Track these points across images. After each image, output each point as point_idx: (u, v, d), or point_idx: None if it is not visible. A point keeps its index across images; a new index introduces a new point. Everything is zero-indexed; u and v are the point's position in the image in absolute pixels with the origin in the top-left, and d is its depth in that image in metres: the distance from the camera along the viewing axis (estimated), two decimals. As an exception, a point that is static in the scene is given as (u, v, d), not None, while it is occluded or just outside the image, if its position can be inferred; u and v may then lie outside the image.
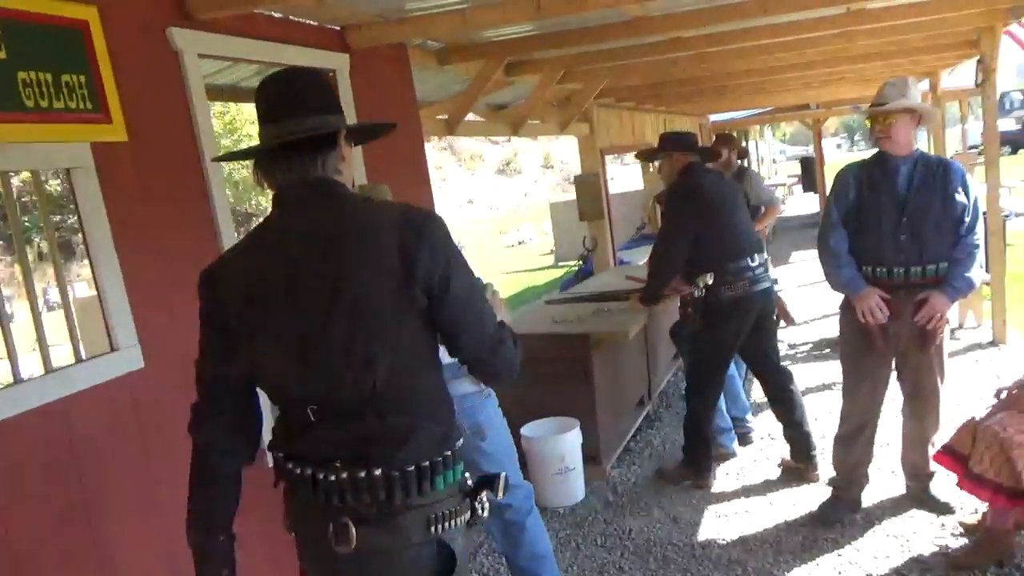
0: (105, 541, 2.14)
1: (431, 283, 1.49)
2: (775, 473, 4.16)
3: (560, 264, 14.69)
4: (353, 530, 1.48)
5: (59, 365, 2.08)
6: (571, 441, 4.04)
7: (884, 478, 3.79)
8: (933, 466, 3.55)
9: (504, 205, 34.85)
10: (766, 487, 4.02)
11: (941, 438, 3.42)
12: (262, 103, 1.55)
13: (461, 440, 1.64)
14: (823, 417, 4.87)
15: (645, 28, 4.15)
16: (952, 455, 3.17)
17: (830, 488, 3.67)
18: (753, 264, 3.86)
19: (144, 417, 2.28)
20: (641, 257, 7.16)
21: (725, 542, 3.51)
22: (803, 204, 18.06)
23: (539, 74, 5.08)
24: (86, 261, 2.42)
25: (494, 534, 2.93)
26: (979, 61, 5.82)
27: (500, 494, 1.66)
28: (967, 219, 3.17)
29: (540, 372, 4.24)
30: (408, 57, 3.90)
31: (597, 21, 4.10)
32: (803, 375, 5.74)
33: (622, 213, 9.06)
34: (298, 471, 1.53)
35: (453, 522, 1.56)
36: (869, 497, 3.63)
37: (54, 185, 12.14)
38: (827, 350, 6.51)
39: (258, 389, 1.63)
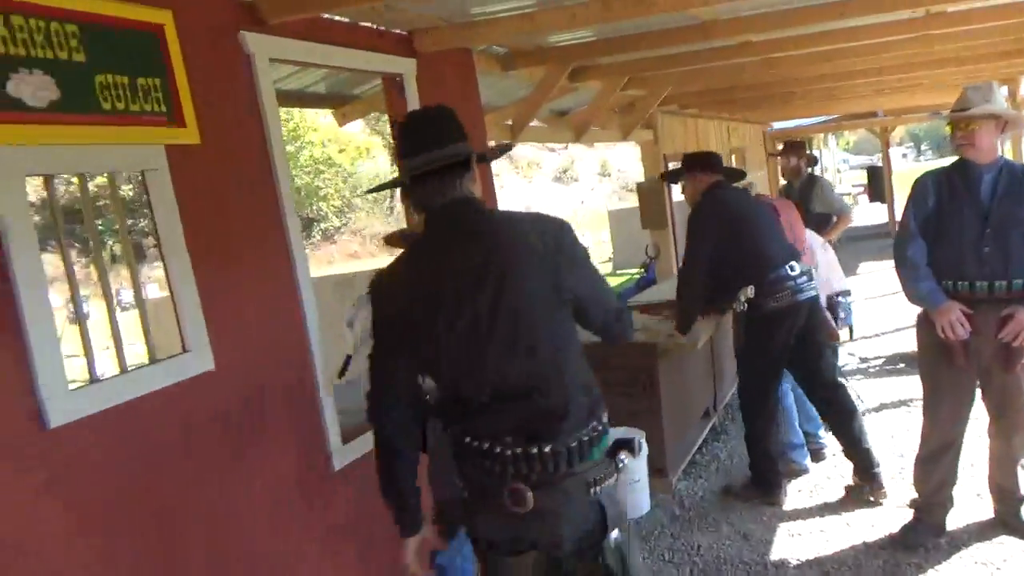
0: (178, 542, 2.13)
1: (571, 278, 1.82)
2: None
3: (619, 272, 14.54)
4: (529, 495, 1.74)
5: (133, 365, 2.08)
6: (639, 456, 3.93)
7: (969, 501, 3.58)
8: (1023, 489, 3.35)
9: (561, 213, 34.79)
10: (841, 506, 3.85)
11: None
12: (407, 139, 1.85)
13: (606, 412, 1.90)
14: (900, 435, 4.67)
15: (714, 32, 4.04)
16: None
17: (912, 510, 3.49)
18: (793, 273, 3.73)
19: (216, 419, 2.28)
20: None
21: (800, 562, 3.36)
22: (870, 214, 17.55)
23: (602, 80, 5.01)
24: (156, 263, 2.43)
25: None
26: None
27: (636, 454, 1.91)
28: None
29: (604, 381, 4.14)
30: (473, 62, 3.87)
31: (664, 25, 4.01)
32: (877, 390, 5.52)
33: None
34: (475, 443, 1.79)
35: (606, 484, 1.82)
36: (954, 521, 3.43)
37: (126, 189, 12.51)
38: (901, 365, 6.26)
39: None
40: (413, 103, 3.37)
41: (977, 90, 3.08)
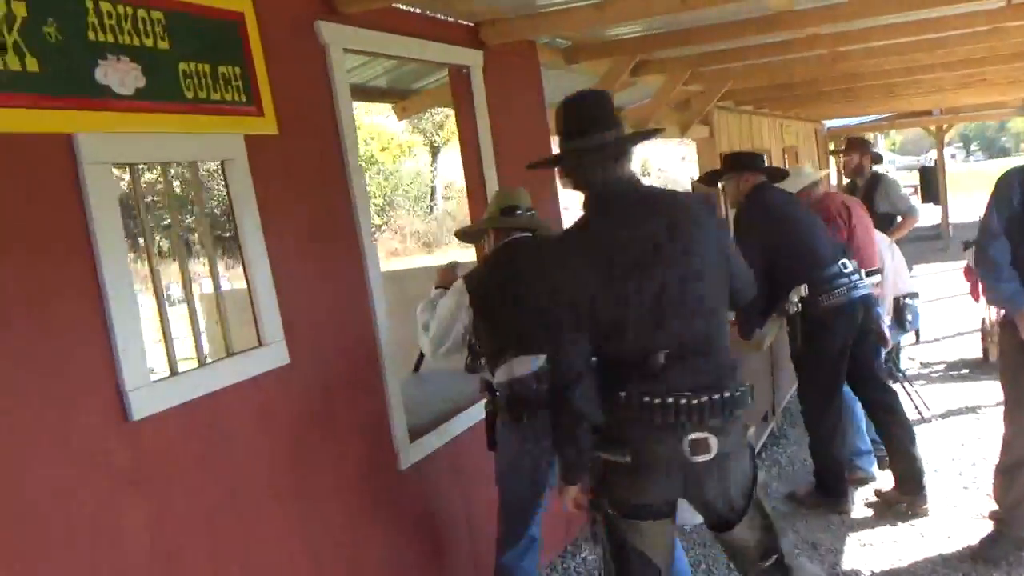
0: (252, 536, 2.10)
1: (729, 243, 2.13)
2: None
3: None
4: (712, 440, 1.90)
5: (210, 358, 2.06)
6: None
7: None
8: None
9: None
10: (913, 514, 3.70)
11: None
12: (571, 120, 2.00)
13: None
14: (971, 443, 4.51)
15: (781, 24, 3.92)
16: None
17: (992, 522, 3.35)
18: (847, 270, 3.62)
19: (290, 413, 2.25)
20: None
21: (876, 574, 3.23)
22: (923, 216, 17.11)
23: (664, 74, 4.91)
24: (203, 259, 2.41)
25: None
26: None
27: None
28: None
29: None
30: (537, 55, 3.81)
31: (731, 17, 3.89)
32: (943, 397, 5.34)
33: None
34: (656, 400, 1.89)
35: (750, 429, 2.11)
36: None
37: (177, 184, 12.67)
38: (965, 371, 6.07)
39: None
40: (480, 96, 3.32)
41: None
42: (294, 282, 2.30)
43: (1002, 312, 3.15)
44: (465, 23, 3.31)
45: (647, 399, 1.90)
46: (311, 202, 2.42)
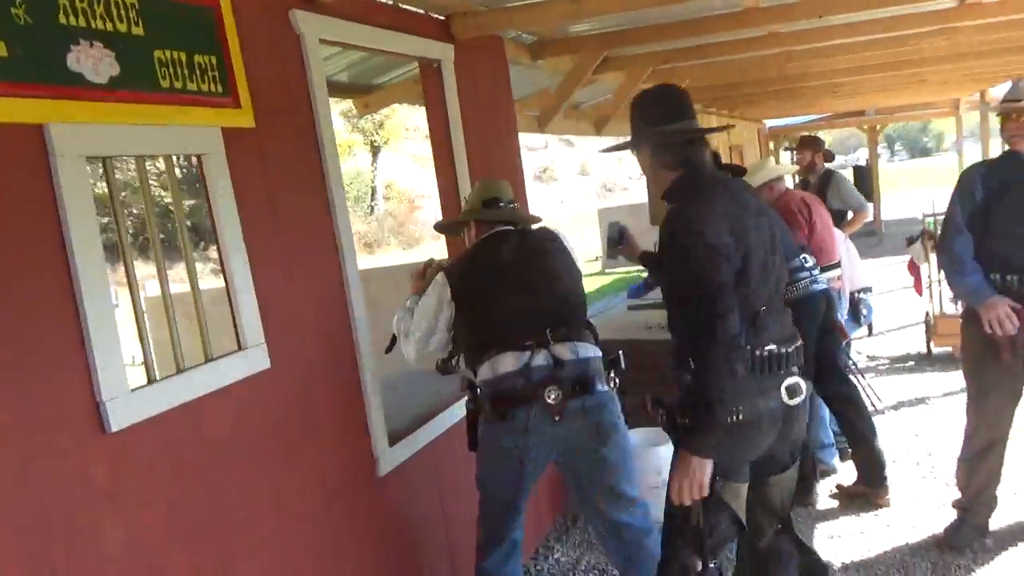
0: (231, 547, 2.00)
1: None
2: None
3: (607, 271, 14.47)
4: (802, 383, 2.14)
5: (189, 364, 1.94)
6: (667, 454, 3.83)
7: (1007, 500, 3.53)
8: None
9: (540, 212, 34.69)
10: (876, 505, 3.78)
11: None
12: (673, 105, 2.20)
13: None
14: (925, 433, 4.64)
15: (746, 21, 3.96)
16: None
17: (954, 511, 3.43)
18: (808, 264, 3.72)
19: (271, 420, 2.14)
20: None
21: (846, 565, 3.28)
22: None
23: (625, 71, 4.91)
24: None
25: (611, 556, 2.74)
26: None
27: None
28: None
29: (636, 381, 4.04)
30: (504, 50, 3.75)
31: (698, 13, 3.91)
32: (893, 388, 5.49)
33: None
34: (765, 352, 2.07)
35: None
36: (995, 520, 3.38)
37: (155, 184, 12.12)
38: (911, 363, 6.25)
39: None
40: (451, 91, 3.25)
41: None
42: (273, 283, 2.20)
43: (962, 305, 3.22)
44: (436, 16, 3.23)
45: (758, 352, 2.06)
46: (289, 197, 2.31)
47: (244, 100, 2.14)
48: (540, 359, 2.43)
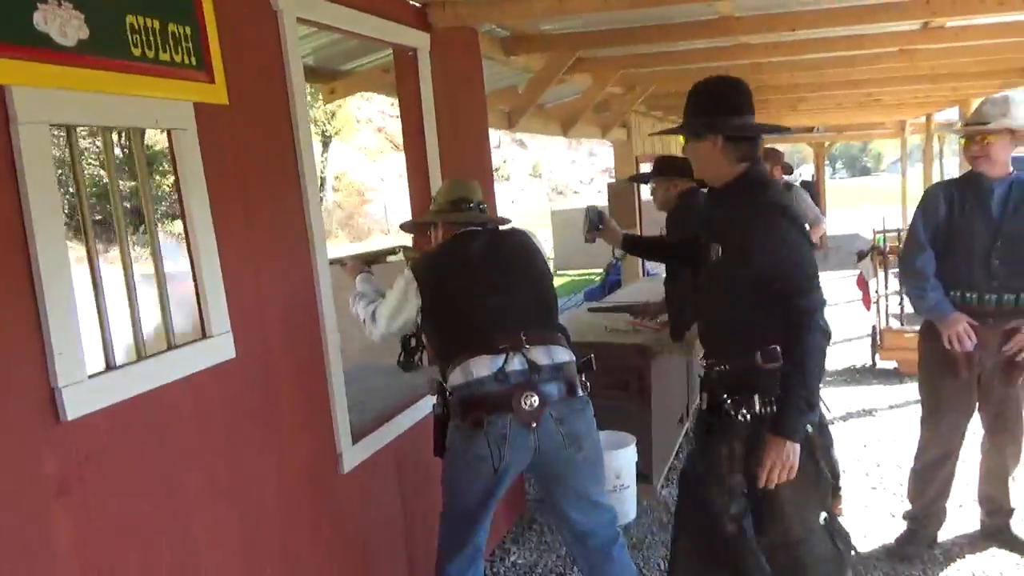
0: (187, 545, 1.89)
1: None
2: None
3: (559, 272, 14.51)
4: None
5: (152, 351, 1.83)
6: (627, 457, 3.83)
7: (954, 512, 3.61)
8: (1013, 501, 3.39)
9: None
10: (828, 516, 3.82)
11: (1022, 472, 3.27)
12: (746, 97, 2.25)
13: None
14: (872, 444, 4.72)
15: (720, 29, 3.97)
16: None
17: (905, 521, 3.49)
18: None
19: (234, 412, 2.04)
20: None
21: (800, 574, 3.30)
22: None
23: (593, 73, 4.89)
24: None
25: (577, 562, 2.69)
26: (1031, 89, 5.74)
27: None
28: None
29: (591, 382, 4.02)
30: (479, 43, 3.68)
31: (675, 18, 3.91)
32: (837, 400, 5.59)
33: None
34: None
35: None
36: (943, 532, 3.45)
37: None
38: (856, 375, 6.38)
39: None
40: (426, 81, 3.17)
41: (995, 104, 3.09)
42: (241, 269, 2.09)
43: (909, 321, 3.28)
44: (413, 3, 3.15)
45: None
46: (260, 182, 2.21)
47: (218, 75, 2.03)
48: (516, 363, 2.34)
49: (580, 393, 2.46)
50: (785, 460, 2.14)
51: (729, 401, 2.26)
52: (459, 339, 2.42)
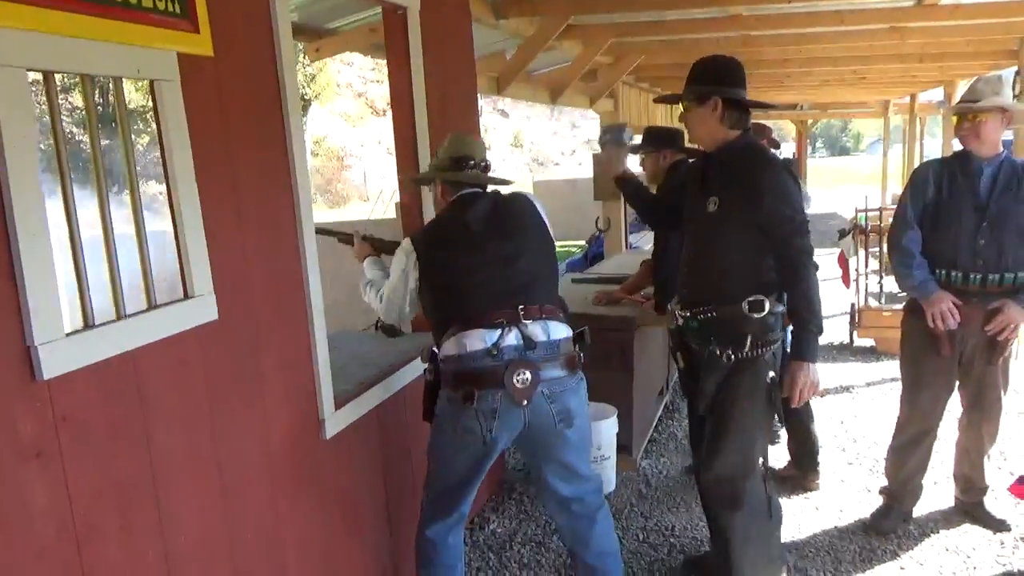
0: (168, 510, 1.84)
1: None
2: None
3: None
4: None
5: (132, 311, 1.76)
6: (609, 428, 3.84)
7: (928, 488, 3.66)
8: (988, 480, 3.44)
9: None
10: (806, 489, 3.86)
11: (998, 451, 3.31)
12: (741, 73, 2.52)
13: None
14: (849, 421, 4.77)
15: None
16: None
17: (881, 496, 3.54)
18: None
19: (215, 375, 1.98)
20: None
21: (778, 546, 3.34)
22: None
23: (584, 40, 4.81)
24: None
25: (560, 529, 2.69)
26: (1017, 72, 5.75)
27: None
28: None
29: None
30: (469, 5, 3.60)
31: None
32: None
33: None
34: None
35: None
36: (918, 508, 3.50)
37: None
38: (834, 352, 6.44)
39: None
40: (415, 42, 3.09)
41: (987, 82, 3.07)
42: (225, 228, 2.03)
43: (896, 300, 3.30)
44: (404, -41, 3.05)
45: None
46: (246, 139, 2.13)
47: (203, 25, 1.94)
48: (511, 338, 2.30)
49: (576, 370, 2.43)
50: (812, 379, 2.49)
51: (716, 343, 2.54)
52: (455, 310, 2.38)
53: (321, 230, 2.73)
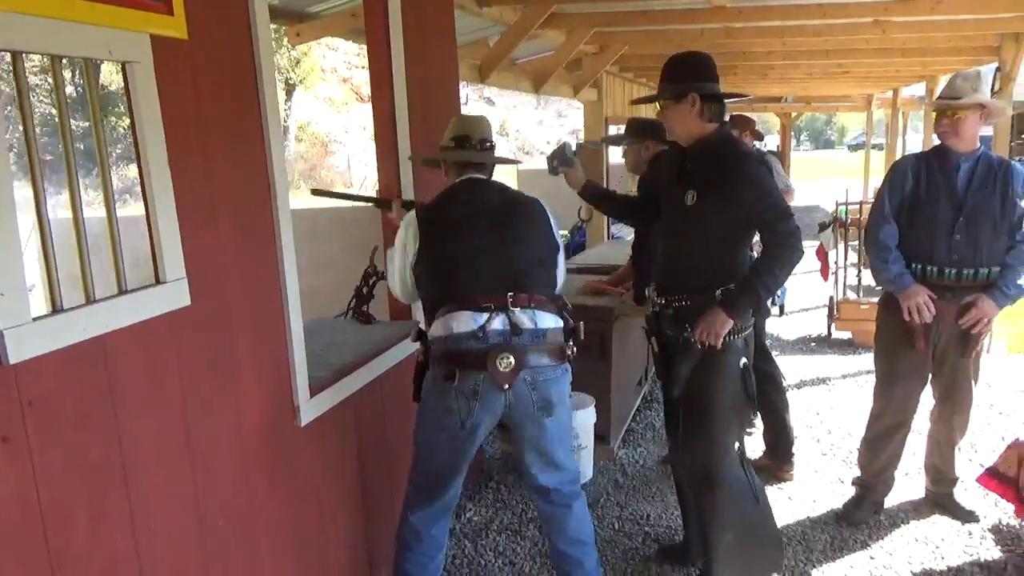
0: (137, 498, 1.83)
1: None
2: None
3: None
4: None
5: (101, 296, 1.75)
6: (586, 418, 3.85)
7: (900, 480, 3.70)
8: (957, 471, 3.49)
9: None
10: (779, 479, 3.90)
11: (968, 443, 3.35)
12: (712, 69, 2.58)
13: None
14: (825, 412, 4.82)
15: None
16: (998, 478, 3.10)
17: (853, 487, 3.58)
18: None
19: (187, 362, 1.97)
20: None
21: (751, 536, 3.37)
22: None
23: (567, 29, 4.79)
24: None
25: (540, 515, 2.71)
26: (997, 68, 5.79)
27: None
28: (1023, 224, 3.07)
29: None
30: (451, -9, 3.57)
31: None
32: (792, 368, 5.68)
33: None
34: None
35: None
36: (889, 499, 3.55)
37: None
38: (812, 344, 6.49)
39: None
40: (396, 26, 3.06)
41: (966, 79, 3.09)
42: (198, 213, 2.01)
43: (874, 293, 3.34)
44: (385, -58, 3.02)
45: None
46: (220, 123, 2.10)
47: (177, 7, 1.91)
48: (497, 323, 2.34)
49: (562, 361, 2.45)
50: (717, 326, 2.54)
51: (689, 330, 2.59)
52: (445, 291, 2.41)
53: (356, 196, 2.79)
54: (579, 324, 2.54)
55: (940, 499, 3.53)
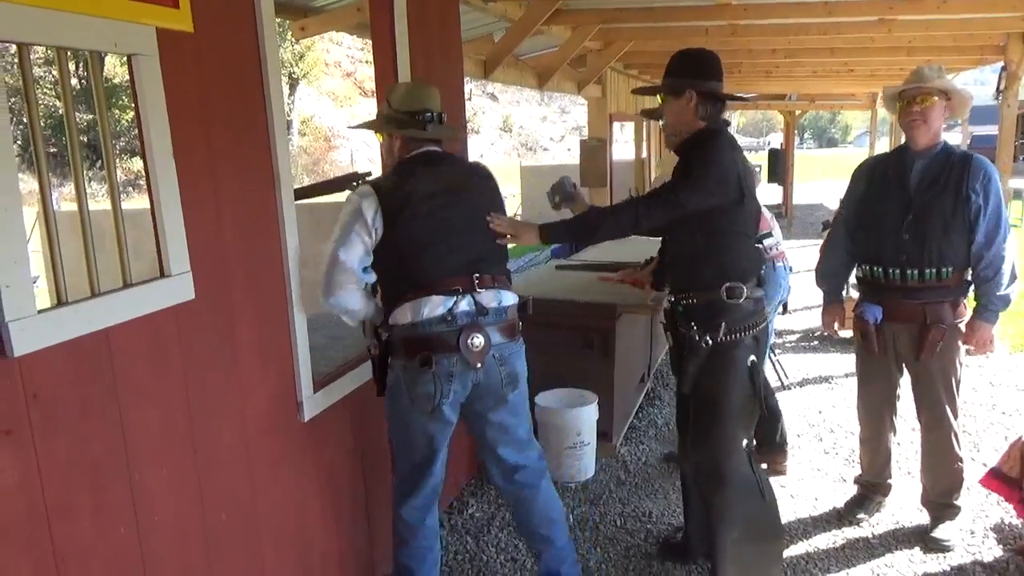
0: (141, 492, 1.84)
1: None
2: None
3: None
4: None
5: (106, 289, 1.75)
6: (589, 415, 3.85)
7: (901, 479, 3.71)
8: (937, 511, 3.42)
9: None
10: (782, 478, 3.90)
11: (971, 444, 3.32)
12: (717, 66, 2.56)
13: None
14: (827, 410, 4.82)
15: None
16: (1001, 479, 3.08)
17: (855, 486, 3.57)
18: None
19: (191, 355, 1.97)
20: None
21: (753, 534, 3.37)
22: (768, 195, 18.21)
23: (572, 25, 4.78)
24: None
25: (505, 496, 2.72)
26: (1003, 68, 5.77)
27: None
28: (982, 223, 2.91)
29: (556, 339, 4.02)
30: (456, -14, 3.56)
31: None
32: (798, 366, 5.68)
33: (623, 182, 8.80)
34: None
35: None
36: (890, 498, 3.54)
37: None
38: (816, 342, 6.48)
39: None
40: (401, 21, 3.05)
41: (931, 69, 3.00)
42: (203, 206, 2.01)
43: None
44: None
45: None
46: (225, 116, 2.10)
47: (183, 0, 1.91)
48: (464, 304, 2.37)
49: (518, 336, 2.54)
50: (520, 235, 2.60)
51: (696, 328, 2.58)
52: (410, 277, 2.37)
53: (325, 185, 2.77)
54: (528, 300, 2.61)
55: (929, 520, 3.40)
